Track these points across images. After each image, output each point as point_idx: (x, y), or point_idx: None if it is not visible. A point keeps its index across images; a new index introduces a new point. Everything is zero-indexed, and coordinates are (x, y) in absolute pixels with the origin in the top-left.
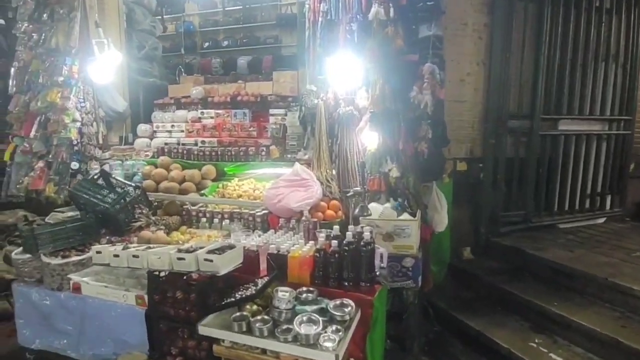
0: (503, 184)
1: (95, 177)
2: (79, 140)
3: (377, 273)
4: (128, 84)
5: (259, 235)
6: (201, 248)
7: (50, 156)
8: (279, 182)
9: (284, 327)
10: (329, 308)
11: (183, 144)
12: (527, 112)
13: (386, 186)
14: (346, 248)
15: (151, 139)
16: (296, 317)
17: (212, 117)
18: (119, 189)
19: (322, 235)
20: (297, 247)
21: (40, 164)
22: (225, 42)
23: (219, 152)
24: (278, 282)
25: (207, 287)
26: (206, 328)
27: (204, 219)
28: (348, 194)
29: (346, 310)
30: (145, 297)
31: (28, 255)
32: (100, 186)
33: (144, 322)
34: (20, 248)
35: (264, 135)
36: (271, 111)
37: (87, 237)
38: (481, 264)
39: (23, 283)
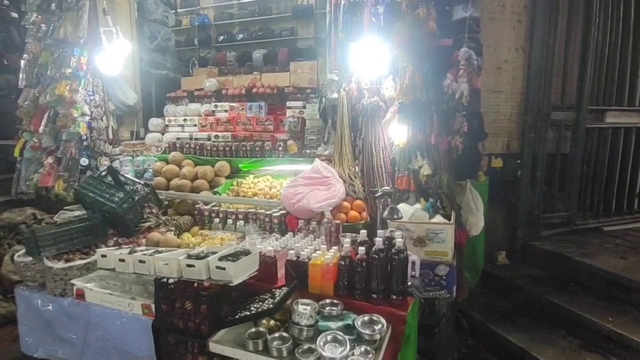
0: (543, 183)
1: (103, 174)
2: (88, 135)
3: (409, 283)
4: (139, 77)
5: (276, 239)
6: (213, 253)
7: (59, 152)
8: (297, 180)
9: (306, 346)
10: (356, 325)
11: (196, 139)
12: (572, 103)
13: (416, 185)
14: (375, 256)
15: (163, 134)
16: (319, 336)
17: (226, 111)
18: (129, 187)
19: (346, 241)
20: (319, 253)
21: (50, 160)
22: (240, 35)
23: (233, 148)
24: (298, 293)
25: (219, 297)
26: (217, 345)
27: (216, 220)
28: (376, 194)
29: (376, 328)
30: (152, 306)
31: (31, 258)
32: (107, 184)
33: (151, 334)
34: (24, 250)
35: (280, 129)
36: (288, 104)
37: (94, 238)
38: (518, 270)
39: (26, 287)
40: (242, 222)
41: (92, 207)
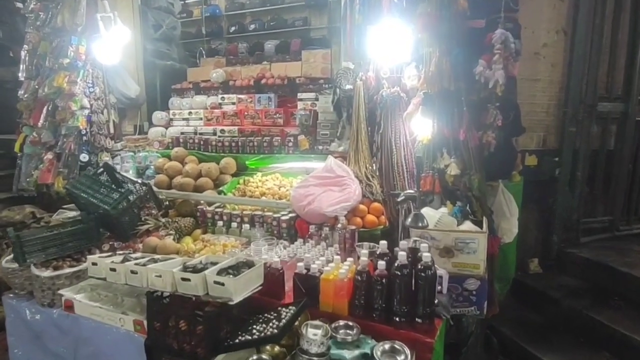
0: (584, 183)
1: (99, 172)
2: (87, 130)
3: (436, 301)
4: (143, 68)
5: (284, 247)
6: (213, 264)
7: (58, 147)
8: (308, 180)
9: None
10: (376, 356)
11: (200, 134)
12: (619, 93)
13: (441, 186)
14: (398, 273)
15: (167, 128)
16: None
17: (233, 103)
18: (128, 186)
19: (363, 253)
20: (332, 266)
21: (49, 155)
22: (252, 26)
23: (240, 143)
24: (307, 311)
25: (217, 317)
26: None
27: (220, 223)
28: (399, 199)
29: (399, 359)
30: (145, 323)
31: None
32: (100, 183)
33: (144, 353)
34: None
35: (291, 123)
36: (300, 95)
37: (87, 242)
38: (553, 280)
39: (14, 295)
40: (247, 225)
41: (85, 208)
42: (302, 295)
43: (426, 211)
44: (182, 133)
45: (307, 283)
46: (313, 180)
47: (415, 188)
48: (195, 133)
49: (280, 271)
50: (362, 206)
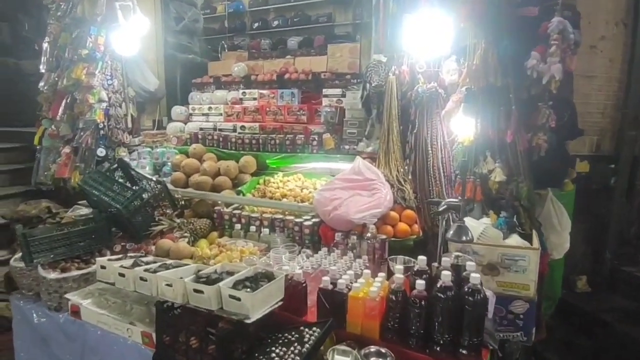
0: None
1: (113, 168)
2: (105, 124)
3: None
4: (164, 61)
5: (307, 257)
6: (229, 274)
7: (75, 141)
8: (334, 183)
9: None
10: None
11: (220, 130)
12: None
13: (483, 194)
14: (440, 295)
15: (186, 123)
16: None
17: (254, 99)
18: (142, 183)
19: (398, 269)
20: (362, 282)
21: (67, 149)
22: (276, 22)
23: (261, 141)
24: (333, 332)
25: (231, 336)
26: None
27: (238, 226)
28: (440, 208)
29: None
30: (154, 335)
31: None
32: (113, 180)
33: None
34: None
35: (315, 120)
36: (325, 91)
37: (97, 243)
38: (604, 301)
39: (21, 296)
40: (267, 230)
41: (97, 205)
42: (327, 313)
43: (467, 222)
44: (200, 129)
45: (333, 300)
46: (339, 182)
47: (455, 195)
48: (215, 129)
49: (303, 285)
50: (393, 213)
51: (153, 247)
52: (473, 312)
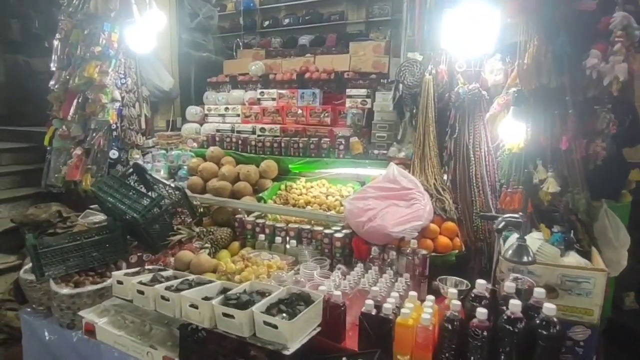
0: None
1: (128, 172)
2: (118, 125)
3: None
4: (178, 59)
5: (342, 274)
6: (259, 294)
7: (87, 142)
8: (366, 191)
9: None
10: None
11: (238, 132)
12: None
13: (533, 206)
14: (508, 327)
15: (201, 124)
16: None
17: (273, 99)
18: (160, 189)
19: (452, 292)
20: (410, 306)
21: (78, 151)
22: (287, 20)
23: (283, 144)
24: None
25: None
26: None
27: (262, 236)
28: (497, 225)
29: None
30: None
31: None
32: (130, 187)
33: None
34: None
35: (339, 122)
36: (348, 92)
37: (113, 254)
38: None
39: (31, 310)
40: (294, 241)
41: (111, 213)
42: (370, 341)
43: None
44: (217, 130)
45: (378, 327)
46: (372, 191)
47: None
48: (233, 131)
49: (343, 308)
50: (433, 225)
51: (172, 259)
52: (547, 347)
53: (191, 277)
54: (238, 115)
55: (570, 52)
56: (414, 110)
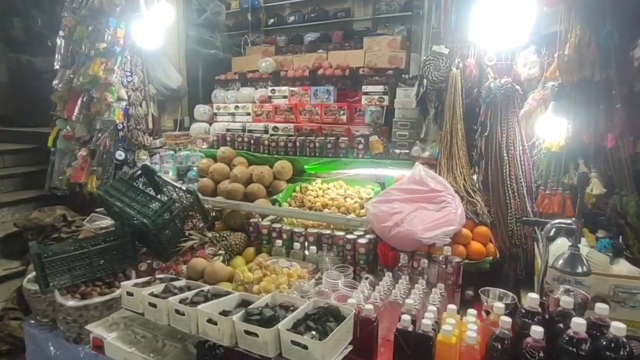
0: None
1: (136, 175)
2: (124, 124)
3: None
4: (185, 56)
5: (371, 285)
6: (282, 308)
7: (92, 143)
8: (391, 193)
9: None
10: None
11: (249, 131)
12: None
13: (574, 209)
14: (571, 349)
15: (210, 124)
16: None
17: (285, 97)
18: (170, 192)
19: (498, 307)
20: (452, 322)
21: (83, 152)
22: (292, 18)
23: (297, 143)
24: None
25: None
26: None
27: (279, 242)
28: (547, 232)
29: None
30: None
31: None
32: (139, 190)
33: None
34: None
35: (355, 120)
36: (364, 88)
37: (121, 262)
38: None
39: (35, 322)
40: (314, 247)
41: (119, 218)
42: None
43: (562, 243)
44: (227, 130)
45: (417, 345)
46: (397, 193)
47: (536, 210)
48: (244, 130)
49: (375, 323)
50: (465, 230)
51: (184, 267)
52: None
53: (206, 287)
54: (248, 113)
55: (618, 42)
56: (439, 107)
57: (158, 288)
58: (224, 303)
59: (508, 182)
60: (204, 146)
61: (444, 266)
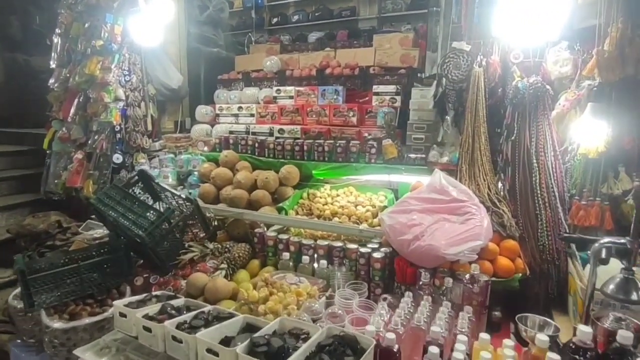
0: None
1: (133, 181)
2: (122, 126)
3: None
4: (186, 55)
5: (389, 307)
6: (293, 336)
7: (89, 146)
8: (408, 202)
9: None
10: None
11: (253, 133)
12: None
13: (614, 221)
14: None
15: (212, 125)
16: None
17: (291, 97)
18: (169, 200)
19: (541, 339)
20: (487, 357)
21: (79, 155)
22: (296, 17)
23: (305, 147)
24: None
25: None
26: None
27: (286, 255)
28: (603, 255)
29: None
30: None
31: None
32: (134, 198)
33: None
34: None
35: (365, 122)
36: (375, 88)
37: (115, 277)
38: None
39: (21, 343)
40: (324, 261)
41: (114, 228)
42: None
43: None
44: (231, 132)
45: None
46: (415, 203)
47: (565, 222)
48: (248, 132)
49: (397, 355)
50: (492, 245)
51: (183, 282)
52: None
53: (207, 308)
54: (252, 115)
55: None
56: (459, 109)
57: (154, 308)
58: (226, 328)
59: (538, 191)
60: (205, 149)
61: (470, 286)
